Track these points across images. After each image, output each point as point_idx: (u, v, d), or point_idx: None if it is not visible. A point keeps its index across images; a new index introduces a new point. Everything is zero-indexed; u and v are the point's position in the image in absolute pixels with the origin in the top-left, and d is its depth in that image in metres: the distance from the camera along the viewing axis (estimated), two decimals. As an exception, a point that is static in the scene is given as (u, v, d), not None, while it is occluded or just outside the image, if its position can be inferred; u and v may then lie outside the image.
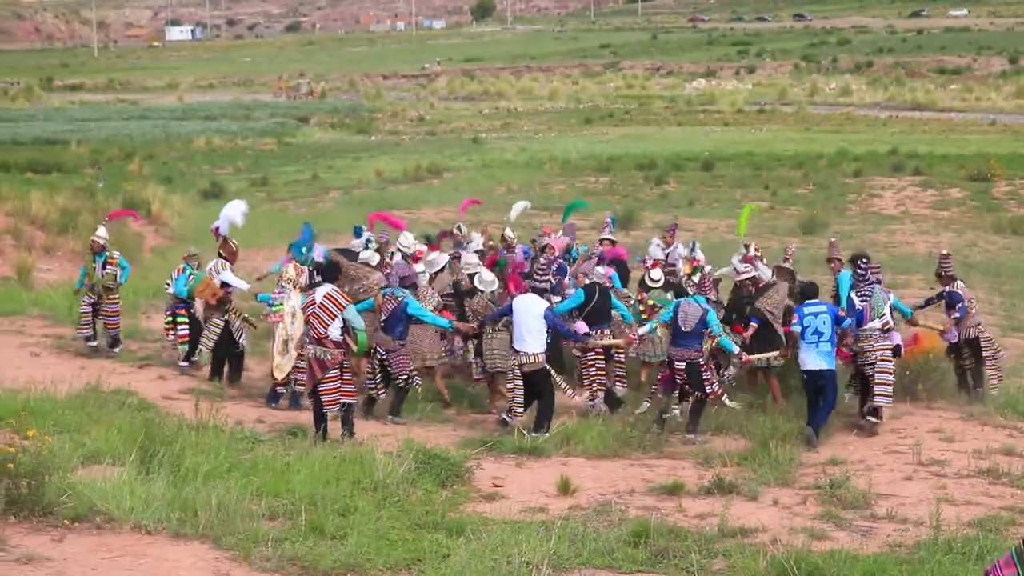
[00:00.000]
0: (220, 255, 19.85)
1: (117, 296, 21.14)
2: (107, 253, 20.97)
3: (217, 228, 20.24)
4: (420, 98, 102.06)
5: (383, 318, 17.65)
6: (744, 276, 19.04)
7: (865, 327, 17.21)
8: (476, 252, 21.17)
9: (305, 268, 18.57)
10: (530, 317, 16.94)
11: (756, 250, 20.00)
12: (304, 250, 19.31)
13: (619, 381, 18.98)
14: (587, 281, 18.81)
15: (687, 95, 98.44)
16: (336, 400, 16.40)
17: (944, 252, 20.14)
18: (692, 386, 16.92)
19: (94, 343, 20.98)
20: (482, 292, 18.57)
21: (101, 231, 21.40)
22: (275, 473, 13.44)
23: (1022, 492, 14.03)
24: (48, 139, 63.39)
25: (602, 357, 18.37)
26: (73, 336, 21.36)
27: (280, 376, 17.88)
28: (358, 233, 21.97)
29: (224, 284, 19.59)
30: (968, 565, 11.07)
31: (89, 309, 20.86)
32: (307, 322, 16.46)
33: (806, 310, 16.82)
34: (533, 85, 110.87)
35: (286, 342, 17.54)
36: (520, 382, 17.18)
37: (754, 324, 18.32)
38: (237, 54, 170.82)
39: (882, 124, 74.64)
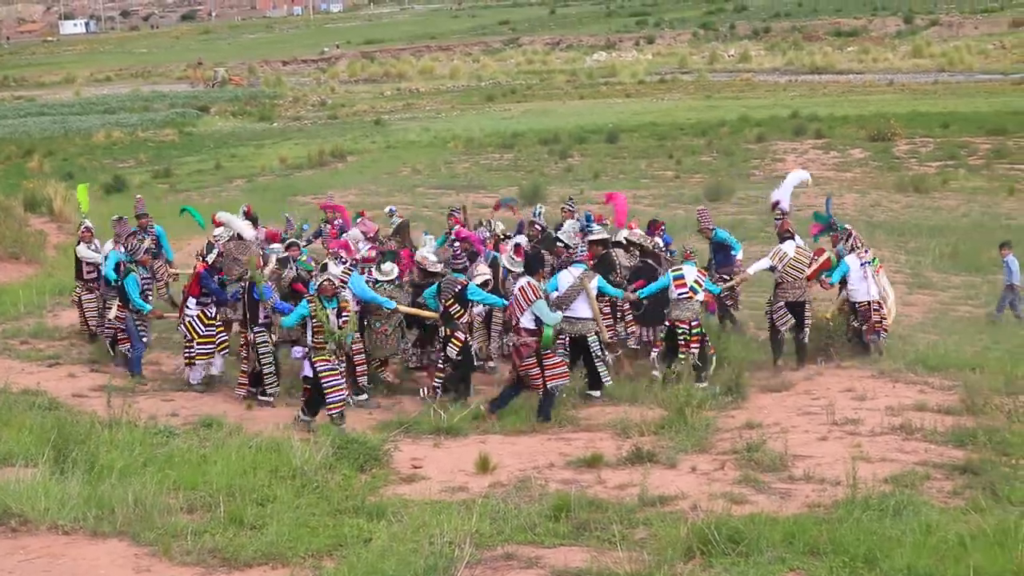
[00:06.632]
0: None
1: None
2: None
3: (777, 202, 20.40)
4: (321, 82, 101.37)
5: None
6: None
7: None
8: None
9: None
10: None
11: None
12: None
13: None
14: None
15: (588, 68, 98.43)
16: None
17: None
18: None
19: None
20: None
21: None
22: (191, 466, 13.36)
23: (935, 447, 14.23)
24: (-56, 141, 62.18)
25: None
26: None
27: (889, 320, 19.28)
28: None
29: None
30: (886, 521, 11.19)
31: None
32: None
33: None
34: (434, 65, 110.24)
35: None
36: None
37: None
38: (133, 46, 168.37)
39: (782, 89, 75.19)
